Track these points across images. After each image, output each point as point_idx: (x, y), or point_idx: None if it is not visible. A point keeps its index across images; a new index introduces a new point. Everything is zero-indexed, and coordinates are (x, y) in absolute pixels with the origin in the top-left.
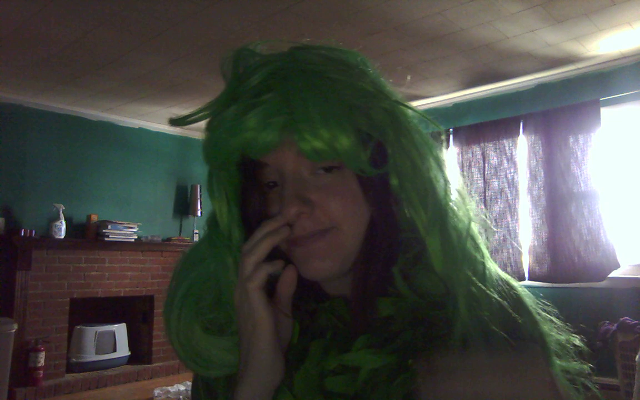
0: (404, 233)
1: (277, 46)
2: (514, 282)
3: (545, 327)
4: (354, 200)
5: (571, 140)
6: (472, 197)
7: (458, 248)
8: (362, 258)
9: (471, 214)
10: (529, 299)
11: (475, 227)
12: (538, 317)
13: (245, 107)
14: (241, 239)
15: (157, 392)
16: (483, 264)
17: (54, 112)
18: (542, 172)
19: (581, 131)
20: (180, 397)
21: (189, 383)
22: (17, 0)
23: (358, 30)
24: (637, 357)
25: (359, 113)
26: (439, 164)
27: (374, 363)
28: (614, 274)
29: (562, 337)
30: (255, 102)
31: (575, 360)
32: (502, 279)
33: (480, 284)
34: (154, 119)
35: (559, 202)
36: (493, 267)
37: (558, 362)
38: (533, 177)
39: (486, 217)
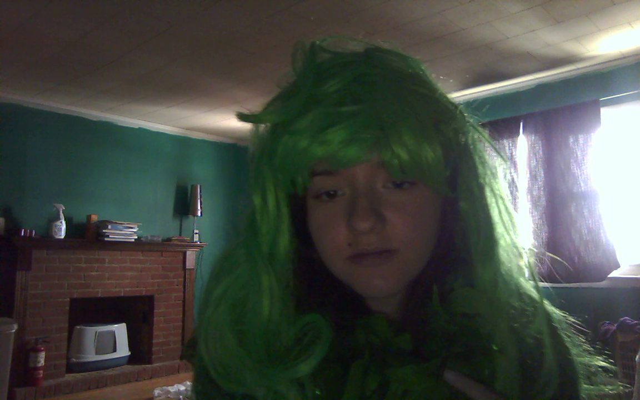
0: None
1: (341, 43)
2: (548, 305)
3: (574, 351)
4: (425, 221)
5: (571, 140)
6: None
7: (507, 281)
8: (421, 279)
9: (519, 245)
10: (559, 323)
11: (524, 257)
12: (568, 341)
13: (329, 116)
14: (289, 251)
15: (157, 392)
16: (525, 294)
17: (54, 112)
18: (542, 172)
19: (581, 131)
20: (180, 397)
21: (189, 383)
22: (17, 0)
23: (358, 30)
24: (637, 357)
25: (442, 130)
26: (500, 195)
27: (417, 383)
28: (614, 274)
29: (588, 359)
30: (341, 112)
31: (603, 382)
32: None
33: (518, 316)
34: (154, 119)
35: (559, 202)
36: (534, 293)
37: (586, 386)
38: (533, 177)
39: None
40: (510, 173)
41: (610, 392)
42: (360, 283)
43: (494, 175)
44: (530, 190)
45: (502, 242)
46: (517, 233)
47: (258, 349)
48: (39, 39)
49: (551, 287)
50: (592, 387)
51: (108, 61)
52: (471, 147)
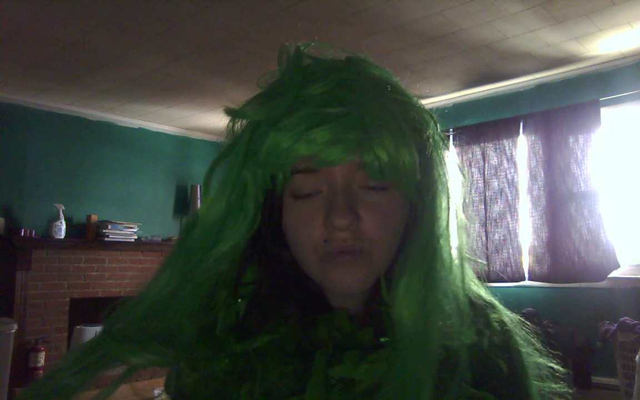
0: None
1: (323, 51)
2: (496, 302)
3: (524, 350)
4: (394, 222)
5: (571, 140)
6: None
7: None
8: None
9: (464, 250)
10: (508, 318)
11: (466, 266)
12: (518, 339)
13: (315, 116)
14: (242, 248)
15: (157, 392)
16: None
17: (54, 112)
18: (542, 172)
19: (581, 131)
20: None
21: None
22: (17, 0)
23: (358, 30)
24: (637, 357)
25: (418, 137)
26: (447, 207)
27: (358, 374)
28: (614, 274)
29: (541, 360)
30: (326, 113)
31: (552, 382)
32: (484, 301)
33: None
34: (153, 119)
35: (559, 202)
36: (475, 289)
37: (536, 383)
38: (533, 177)
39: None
40: (510, 173)
41: (558, 390)
42: (332, 280)
43: (446, 186)
44: (530, 190)
45: (443, 250)
46: (465, 241)
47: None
48: (39, 39)
49: (551, 287)
50: (543, 384)
51: (108, 61)
52: (435, 156)
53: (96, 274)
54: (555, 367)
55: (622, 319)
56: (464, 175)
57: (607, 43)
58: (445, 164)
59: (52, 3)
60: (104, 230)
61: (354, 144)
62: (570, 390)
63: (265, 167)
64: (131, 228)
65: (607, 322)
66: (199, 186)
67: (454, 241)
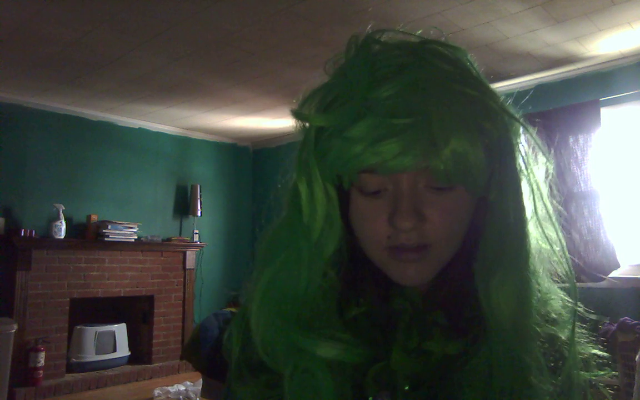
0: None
1: (393, 35)
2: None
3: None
4: (460, 219)
5: (571, 140)
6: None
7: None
8: (452, 263)
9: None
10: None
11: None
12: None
13: (383, 127)
14: (341, 236)
15: (157, 392)
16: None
17: (54, 112)
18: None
19: (581, 131)
20: (180, 397)
21: (189, 383)
22: (17, 0)
23: (358, 31)
24: (637, 357)
25: (486, 133)
26: (539, 192)
27: (453, 351)
28: (614, 274)
29: (588, 348)
30: (395, 124)
31: (598, 370)
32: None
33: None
34: (154, 119)
35: (559, 202)
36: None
37: (583, 374)
38: None
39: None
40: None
41: (606, 378)
42: (395, 272)
43: (534, 180)
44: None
45: (532, 242)
46: (554, 231)
47: (290, 318)
48: (39, 39)
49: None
50: (587, 374)
51: (108, 61)
52: (514, 151)
53: (96, 274)
54: (600, 353)
55: (622, 319)
56: (548, 159)
57: (607, 43)
58: (520, 152)
59: (52, 3)
60: (104, 230)
61: (421, 153)
62: (616, 375)
63: (331, 170)
64: (131, 228)
65: (607, 322)
66: (199, 186)
67: (540, 231)
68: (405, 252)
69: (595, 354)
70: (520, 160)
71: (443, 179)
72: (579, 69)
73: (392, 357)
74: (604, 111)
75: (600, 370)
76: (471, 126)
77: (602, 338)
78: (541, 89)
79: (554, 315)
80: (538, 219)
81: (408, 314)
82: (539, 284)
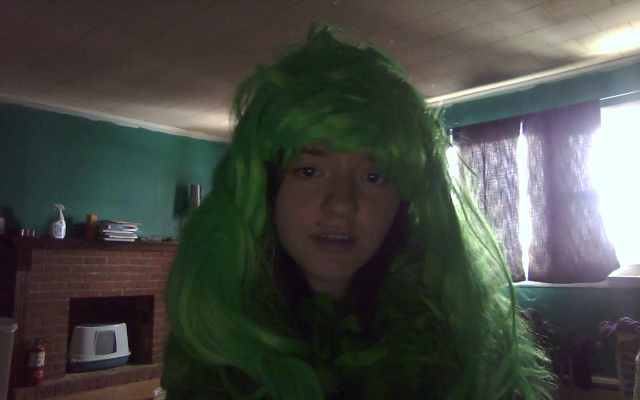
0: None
1: (343, 34)
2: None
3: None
4: (386, 216)
5: (571, 140)
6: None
7: (476, 293)
8: (367, 265)
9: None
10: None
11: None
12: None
13: (338, 102)
14: (261, 220)
15: (157, 392)
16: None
17: (54, 112)
18: (542, 172)
19: (581, 131)
20: None
21: None
22: (17, 0)
23: (358, 31)
24: (637, 357)
25: (427, 139)
26: (468, 200)
27: (366, 361)
28: (614, 274)
29: (529, 349)
30: (348, 100)
31: (534, 368)
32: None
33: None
34: (154, 119)
35: (559, 202)
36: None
37: (523, 368)
38: (533, 177)
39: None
40: (510, 173)
41: (540, 376)
42: (316, 264)
43: (454, 185)
44: (530, 190)
45: (466, 246)
46: (488, 235)
47: (234, 303)
48: (39, 39)
49: (551, 287)
50: (526, 369)
51: (108, 61)
52: (442, 157)
53: (96, 274)
54: (540, 357)
55: (622, 319)
56: (474, 174)
57: (607, 43)
58: (449, 164)
59: (52, 3)
60: (104, 230)
61: (370, 136)
62: (552, 379)
63: (278, 140)
64: (131, 228)
65: (607, 322)
66: (199, 186)
67: (473, 234)
68: (331, 244)
69: (535, 355)
70: (449, 172)
71: (384, 170)
72: (579, 69)
73: (317, 372)
74: (604, 111)
75: (539, 369)
76: (415, 127)
77: (601, 338)
78: (541, 89)
79: (494, 312)
80: (469, 224)
81: (317, 325)
82: (481, 284)
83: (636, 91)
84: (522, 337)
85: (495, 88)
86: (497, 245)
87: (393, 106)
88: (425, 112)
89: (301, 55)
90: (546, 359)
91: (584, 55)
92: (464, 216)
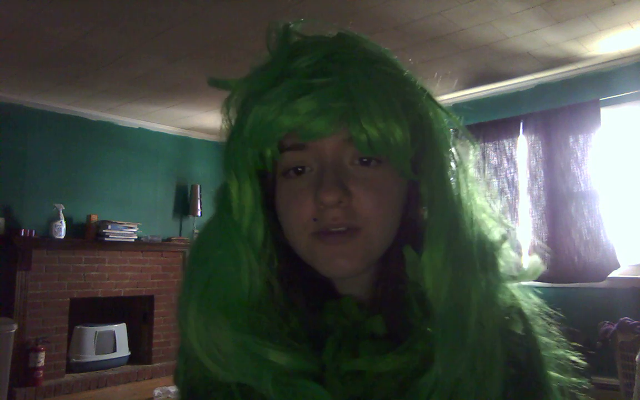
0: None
1: (313, 28)
2: (522, 293)
3: (544, 340)
4: (389, 199)
5: (571, 140)
6: (499, 206)
7: (464, 267)
8: (389, 260)
9: (486, 230)
10: (527, 305)
11: (494, 243)
12: (537, 329)
13: (300, 88)
14: (266, 230)
15: (157, 392)
16: (488, 282)
17: (54, 112)
18: (542, 172)
19: (581, 131)
20: None
21: None
22: (17, 0)
23: (358, 30)
24: (637, 357)
25: (411, 110)
26: (469, 179)
27: (385, 367)
28: (614, 274)
29: (561, 352)
30: (310, 83)
31: (572, 375)
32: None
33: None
34: (154, 119)
35: (559, 202)
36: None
37: (555, 375)
38: (533, 177)
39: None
40: (510, 173)
41: (579, 384)
42: (323, 261)
43: (460, 162)
44: (530, 190)
45: (467, 225)
46: (491, 215)
47: (239, 321)
48: (39, 39)
49: (551, 287)
50: (563, 377)
51: (108, 61)
52: (436, 132)
53: (96, 274)
54: (577, 360)
55: (622, 319)
56: (473, 144)
57: (607, 43)
58: (448, 136)
59: (52, 3)
60: (104, 230)
61: (337, 115)
62: (591, 385)
63: (251, 143)
64: (131, 228)
65: (607, 322)
66: (199, 186)
67: (475, 213)
68: (332, 236)
69: (568, 358)
70: (446, 146)
71: (365, 149)
72: (579, 69)
73: (326, 387)
74: (604, 111)
75: (575, 376)
76: (391, 98)
77: (601, 338)
78: (541, 89)
79: (507, 306)
80: (472, 204)
81: (340, 330)
82: (491, 276)
83: (636, 91)
84: (550, 340)
85: (495, 88)
86: (512, 234)
87: (360, 80)
88: (408, 83)
89: (266, 59)
90: (580, 361)
91: (584, 55)
92: (465, 191)
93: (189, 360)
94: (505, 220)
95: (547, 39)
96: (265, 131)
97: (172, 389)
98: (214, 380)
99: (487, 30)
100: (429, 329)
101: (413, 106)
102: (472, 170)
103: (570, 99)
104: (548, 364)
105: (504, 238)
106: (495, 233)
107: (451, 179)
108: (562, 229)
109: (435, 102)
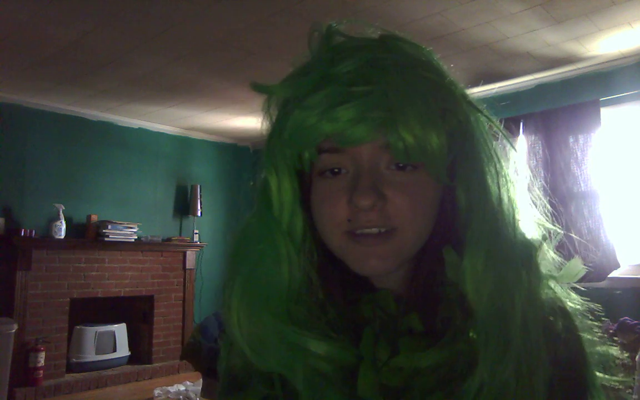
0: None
1: (357, 29)
2: (564, 292)
3: (588, 338)
4: (424, 203)
5: (571, 140)
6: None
7: (505, 278)
8: (424, 258)
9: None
10: (572, 309)
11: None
12: (580, 327)
13: (340, 95)
14: (305, 225)
15: (157, 392)
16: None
17: (54, 112)
18: (542, 172)
19: (581, 131)
20: (180, 397)
21: (189, 383)
22: (17, 0)
23: (358, 31)
24: (637, 357)
25: (449, 117)
26: (508, 183)
27: (425, 363)
28: (614, 274)
29: (604, 349)
30: (351, 92)
31: (615, 373)
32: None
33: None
34: (154, 119)
35: (559, 202)
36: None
37: (600, 375)
38: (533, 177)
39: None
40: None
41: (622, 382)
42: (356, 260)
43: (500, 166)
44: (530, 190)
45: (509, 229)
46: (532, 217)
47: (280, 313)
48: (39, 39)
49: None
50: (606, 376)
51: (108, 61)
52: (477, 138)
53: (96, 274)
54: (619, 356)
55: (622, 319)
56: (513, 147)
57: (607, 43)
58: (489, 144)
59: (52, 3)
60: (104, 230)
61: (377, 123)
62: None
63: (290, 146)
64: (131, 228)
65: (607, 322)
66: (199, 186)
67: (515, 216)
68: (366, 238)
69: (611, 355)
70: (487, 151)
71: (402, 156)
72: (579, 69)
73: (358, 382)
74: (604, 111)
75: (618, 374)
76: (430, 105)
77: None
78: (541, 89)
79: (550, 306)
80: (513, 207)
81: (377, 323)
82: (533, 277)
83: (636, 91)
84: (592, 337)
85: (495, 88)
86: (555, 233)
87: (400, 89)
88: (448, 90)
89: (307, 61)
90: (622, 357)
91: (584, 55)
92: (506, 195)
93: (231, 349)
94: (545, 222)
95: (547, 39)
96: (305, 135)
97: (172, 388)
98: (254, 368)
99: (487, 30)
100: (470, 332)
101: (452, 112)
102: (512, 174)
103: (570, 99)
104: (592, 363)
105: (544, 238)
106: (535, 234)
107: (491, 183)
108: (562, 229)
109: (476, 108)
